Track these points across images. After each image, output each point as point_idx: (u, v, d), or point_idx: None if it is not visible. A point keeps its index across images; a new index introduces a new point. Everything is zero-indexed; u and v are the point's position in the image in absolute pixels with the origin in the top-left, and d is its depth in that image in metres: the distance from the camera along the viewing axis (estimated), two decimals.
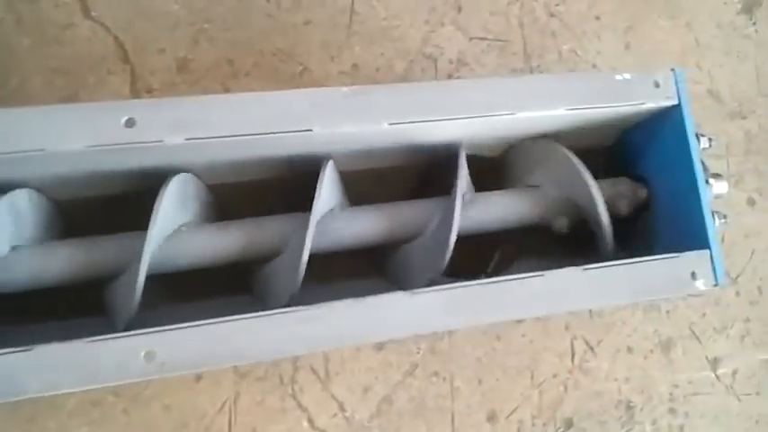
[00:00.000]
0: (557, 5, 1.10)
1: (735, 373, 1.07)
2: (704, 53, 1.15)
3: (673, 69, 0.77)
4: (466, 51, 1.05)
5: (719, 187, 0.86)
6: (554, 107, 0.74)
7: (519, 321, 1.00)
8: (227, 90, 0.95)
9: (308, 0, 1.00)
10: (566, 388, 1.00)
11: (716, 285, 0.74)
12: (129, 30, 0.94)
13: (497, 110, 0.72)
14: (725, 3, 1.19)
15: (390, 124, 0.69)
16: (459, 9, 1.06)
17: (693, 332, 1.06)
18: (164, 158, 0.68)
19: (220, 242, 0.74)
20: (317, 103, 0.68)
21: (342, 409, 0.93)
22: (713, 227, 0.75)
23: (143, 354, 0.61)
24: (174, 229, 0.72)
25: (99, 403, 0.86)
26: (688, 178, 0.77)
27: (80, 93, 0.90)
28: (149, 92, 0.93)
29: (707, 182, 0.82)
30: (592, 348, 1.01)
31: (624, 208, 0.83)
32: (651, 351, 1.03)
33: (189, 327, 0.62)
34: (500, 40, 1.06)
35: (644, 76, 0.77)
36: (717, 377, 1.06)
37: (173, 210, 0.70)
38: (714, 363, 1.06)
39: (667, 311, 1.05)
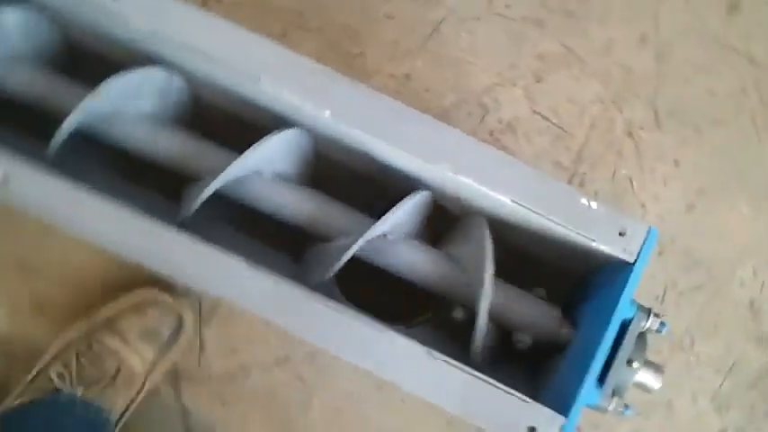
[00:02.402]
0: (641, 128, 1.01)
1: None
2: None
3: (650, 227, 0.69)
4: (522, 121, 1.00)
5: (647, 378, 0.76)
6: (502, 192, 0.68)
7: None
8: (283, 34, 0.98)
9: None
10: None
11: None
12: None
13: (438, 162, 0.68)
14: None
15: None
16: (539, 79, 1.01)
17: None
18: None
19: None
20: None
21: None
22: (583, 402, 0.66)
23: None
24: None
25: None
26: (596, 342, 0.68)
27: None
28: None
29: (630, 362, 0.73)
30: None
31: (528, 339, 0.75)
32: None
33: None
34: (561, 129, 1.00)
35: (614, 216, 0.69)
36: None
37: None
38: None
39: None
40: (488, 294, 0.69)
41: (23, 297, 0.92)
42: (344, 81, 0.69)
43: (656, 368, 0.76)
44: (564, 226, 0.68)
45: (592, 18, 1.04)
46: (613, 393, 0.72)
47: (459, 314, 0.77)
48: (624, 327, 0.73)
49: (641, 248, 0.69)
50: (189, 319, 0.90)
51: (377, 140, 0.69)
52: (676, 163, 1.02)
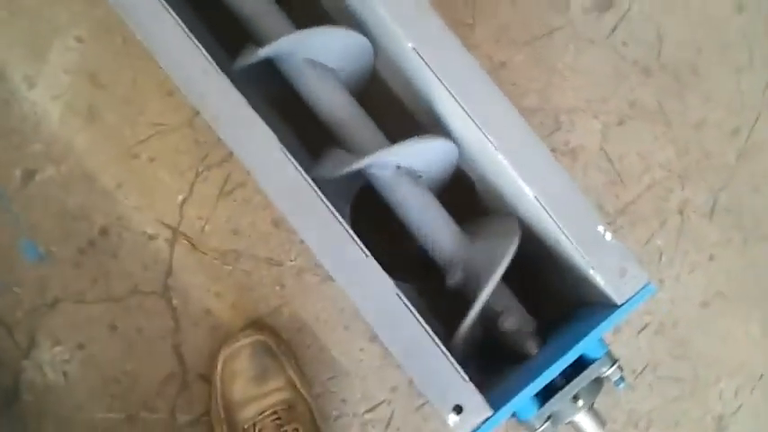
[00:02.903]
0: (693, 211, 1.01)
1: None
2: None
3: (648, 282, 0.69)
4: (586, 152, 1.00)
5: (586, 423, 0.76)
6: (530, 183, 0.70)
7: None
8: None
9: None
10: None
11: None
12: None
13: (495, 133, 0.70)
14: None
15: None
16: (621, 122, 1.01)
17: None
18: None
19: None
20: None
21: None
22: (515, 407, 0.67)
23: None
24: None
25: None
26: (550, 363, 0.69)
27: None
28: None
29: (576, 398, 0.74)
30: None
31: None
32: None
33: None
34: (619, 177, 1.00)
35: (622, 254, 0.69)
36: None
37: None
38: None
39: None
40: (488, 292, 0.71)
41: (83, 104, 0.98)
42: (437, 22, 0.71)
43: (599, 420, 0.77)
44: (571, 242, 0.69)
45: (697, 91, 1.04)
46: (549, 419, 0.73)
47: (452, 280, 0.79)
48: (586, 365, 0.74)
49: (632, 296, 0.69)
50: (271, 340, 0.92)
51: (444, 91, 0.71)
52: (711, 257, 1.01)
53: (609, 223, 0.99)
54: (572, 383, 0.73)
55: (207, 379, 0.94)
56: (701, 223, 1.01)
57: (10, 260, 0.96)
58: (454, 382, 0.67)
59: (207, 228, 0.97)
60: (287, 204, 0.68)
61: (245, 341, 0.90)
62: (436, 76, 0.70)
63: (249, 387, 0.89)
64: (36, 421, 0.95)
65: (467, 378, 0.67)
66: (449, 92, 0.71)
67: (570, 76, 1.02)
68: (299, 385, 0.90)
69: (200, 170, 0.98)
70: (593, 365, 0.73)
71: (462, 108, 0.70)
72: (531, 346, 0.77)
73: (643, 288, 0.69)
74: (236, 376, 0.89)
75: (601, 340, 0.73)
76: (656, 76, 1.03)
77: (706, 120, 1.04)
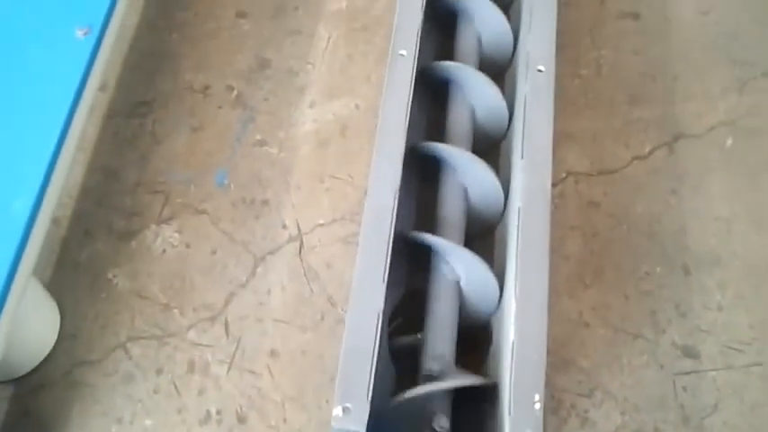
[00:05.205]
0: None
1: None
2: None
3: None
4: (595, 426, 1.10)
5: None
6: (517, 333, 0.87)
7: None
8: None
9: None
10: None
11: None
12: None
13: None
14: None
15: None
16: None
17: None
18: None
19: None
20: None
21: None
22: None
23: None
24: None
25: None
26: None
27: None
28: None
29: None
30: None
31: None
32: None
33: None
34: None
35: (535, 426, 0.81)
36: None
37: None
38: None
39: None
40: None
41: None
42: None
43: None
44: (510, 383, 0.83)
45: None
46: None
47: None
48: None
49: None
50: None
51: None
52: None
53: None
54: None
55: None
56: None
57: (204, 172, 1.34)
58: (361, 395, 0.83)
59: (316, 249, 1.25)
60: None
61: None
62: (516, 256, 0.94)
63: None
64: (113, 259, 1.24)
65: (369, 400, 0.82)
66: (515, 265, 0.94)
67: (627, 374, 1.14)
68: None
69: (351, 215, 1.28)
70: None
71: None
72: None
73: None
74: None
75: None
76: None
77: None
